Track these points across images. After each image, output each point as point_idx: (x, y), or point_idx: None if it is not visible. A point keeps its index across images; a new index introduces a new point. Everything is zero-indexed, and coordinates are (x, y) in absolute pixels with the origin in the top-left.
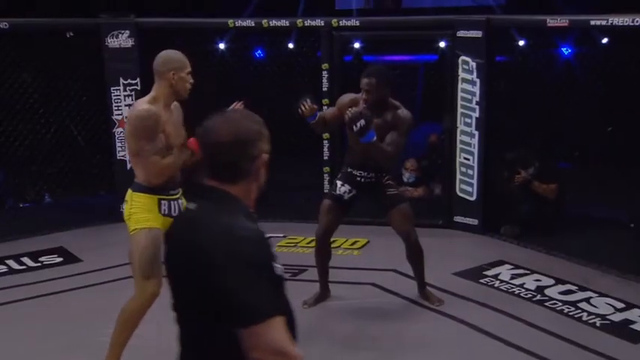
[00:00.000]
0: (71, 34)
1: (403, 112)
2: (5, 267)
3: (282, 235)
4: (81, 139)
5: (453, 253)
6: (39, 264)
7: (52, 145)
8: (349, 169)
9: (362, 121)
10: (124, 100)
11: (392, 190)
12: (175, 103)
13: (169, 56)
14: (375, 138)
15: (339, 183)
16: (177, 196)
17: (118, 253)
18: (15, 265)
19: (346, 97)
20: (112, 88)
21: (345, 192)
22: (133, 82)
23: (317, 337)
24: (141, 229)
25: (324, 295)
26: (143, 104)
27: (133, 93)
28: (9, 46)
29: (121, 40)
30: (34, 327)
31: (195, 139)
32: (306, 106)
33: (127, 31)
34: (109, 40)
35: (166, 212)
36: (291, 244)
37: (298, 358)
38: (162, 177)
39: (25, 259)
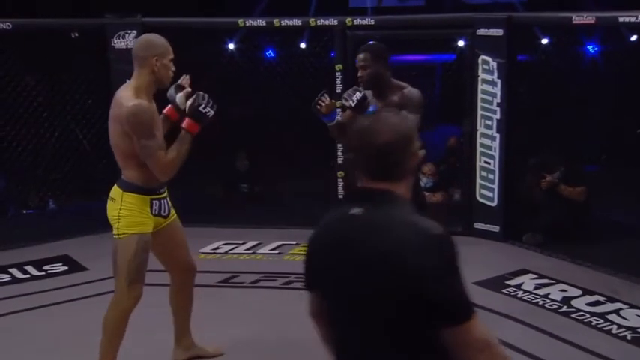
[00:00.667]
0: (76, 34)
1: (410, 90)
2: (9, 276)
3: (294, 242)
4: (86, 144)
5: (473, 261)
6: (43, 273)
7: (57, 149)
8: None
9: (358, 94)
10: None
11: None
12: None
13: (151, 41)
14: None
15: None
16: (165, 195)
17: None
18: (19, 274)
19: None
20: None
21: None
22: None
23: None
24: (132, 234)
25: None
26: (130, 99)
27: None
28: (12, 47)
29: (128, 40)
30: (38, 338)
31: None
32: (325, 102)
33: (134, 32)
34: (115, 41)
35: (156, 212)
36: (303, 252)
37: (501, 348)
38: (170, 173)
39: (29, 268)
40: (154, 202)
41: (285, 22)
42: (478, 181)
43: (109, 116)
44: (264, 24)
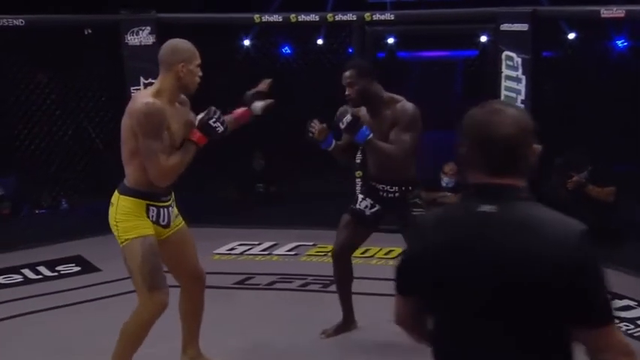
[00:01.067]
0: (89, 31)
1: (404, 104)
2: (21, 276)
3: (311, 243)
4: (99, 142)
5: None
6: (56, 273)
7: (69, 148)
8: (371, 182)
9: (348, 117)
10: None
11: (419, 210)
12: (184, 98)
13: (178, 46)
14: (370, 135)
15: (360, 196)
16: (169, 203)
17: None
18: (31, 275)
19: (342, 109)
20: (132, 88)
21: (366, 206)
22: (154, 81)
23: (351, 357)
24: (133, 239)
25: (348, 324)
26: (146, 97)
27: None
28: (25, 44)
29: (142, 37)
30: (50, 340)
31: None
32: (315, 127)
33: (148, 28)
34: (129, 37)
35: (154, 219)
36: (321, 253)
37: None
38: (167, 179)
39: (42, 269)
40: (151, 207)
41: (302, 17)
42: None
43: (125, 111)
44: (281, 20)
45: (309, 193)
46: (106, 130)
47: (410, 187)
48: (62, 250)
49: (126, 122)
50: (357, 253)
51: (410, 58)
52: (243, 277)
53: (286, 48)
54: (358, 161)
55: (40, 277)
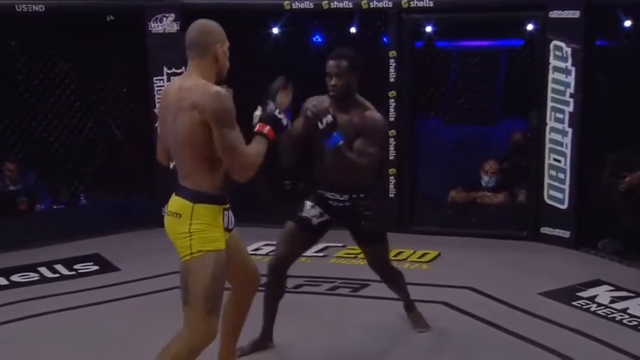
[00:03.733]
0: (111, 17)
1: (374, 114)
2: (37, 275)
3: (341, 245)
4: (120, 135)
5: (540, 269)
6: (73, 272)
7: (89, 141)
8: (321, 190)
9: (329, 117)
10: None
11: (369, 224)
12: None
13: (210, 26)
14: (341, 142)
15: (308, 204)
16: (228, 205)
17: (158, 261)
18: (48, 273)
19: (312, 101)
20: (154, 79)
21: (314, 215)
22: (178, 71)
23: None
24: (208, 252)
25: (264, 341)
26: (208, 86)
27: None
28: (45, 31)
29: (166, 24)
30: (66, 341)
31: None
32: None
33: (172, 15)
34: (153, 25)
35: (227, 225)
36: (350, 256)
37: None
38: (252, 172)
39: (59, 267)
40: (226, 212)
41: (335, 4)
42: (546, 180)
43: (168, 110)
44: (312, 6)
45: None
46: (127, 122)
47: (361, 195)
48: (80, 247)
49: (185, 119)
50: (390, 255)
51: (449, 48)
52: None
53: (317, 37)
54: (392, 158)
55: (58, 275)
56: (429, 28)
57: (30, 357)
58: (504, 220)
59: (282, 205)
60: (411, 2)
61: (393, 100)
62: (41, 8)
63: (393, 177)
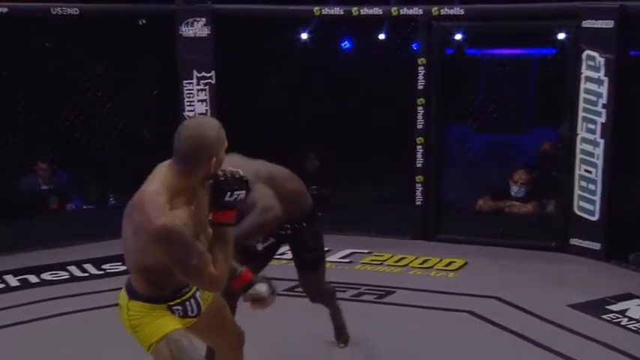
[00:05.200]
0: (143, 21)
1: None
2: (67, 274)
3: (366, 251)
4: (149, 137)
5: (569, 281)
6: (102, 272)
7: (119, 143)
8: None
9: (271, 239)
10: (197, 95)
11: (307, 253)
12: None
13: (206, 137)
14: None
15: None
16: (191, 292)
17: None
18: (77, 272)
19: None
20: (184, 82)
21: (258, 241)
22: (208, 75)
23: None
24: (158, 342)
25: None
26: (159, 212)
27: (207, 87)
28: (78, 33)
29: (197, 28)
30: (91, 339)
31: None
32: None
33: (203, 19)
34: (184, 29)
35: (181, 315)
36: (376, 262)
37: None
38: (222, 285)
39: (88, 266)
40: (174, 307)
41: (365, 11)
42: (576, 191)
43: (125, 213)
44: (342, 13)
45: (365, 198)
46: (156, 124)
47: (304, 224)
48: (109, 247)
49: (135, 237)
50: (416, 263)
51: (479, 56)
52: (294, 284)
53: (346, 42)
54: (420, 165)
55: (86, 274)
56: (459, 36)
57: (58, 354)
58: (533, 230)
59: None
60: (442, 10)
61: (421, 108)
62: (76, 11)
63: (420, 184)
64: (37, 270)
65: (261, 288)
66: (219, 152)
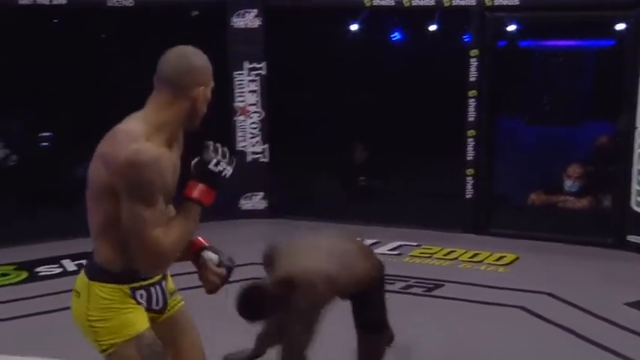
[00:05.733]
0: (196, 12)
1: None
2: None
3: (415, 243)
4: (199, 128)
5: (626, 279)
6: None
7: None
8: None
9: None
10: (248, 86)
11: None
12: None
13: (198, 62)
14: None
15: (210, 254)
16: (158, 278)
17: (231, 252)
18: None
19: None
20: (234, 73)
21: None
22: (258, 66)
23: None
24: (123, 343)
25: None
26: (133, 139)
27: (257, 78)
28: (134, 25)
29: (248, 19)
30: None
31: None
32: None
33: (255, 10)
34: (235, 20)
35: (146, 305)
36: (425, 255)
37: None
38: (162, 264)
39: None
40: (137, 292)
41: (417, 2)
42: (634, 186)
43: (94, 157)
44: (393, 3)
45: (415, 190)
46: (207, 115)
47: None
48: None
49: (99, 174)
50: (465, 257)
51: (533, 47)
52: None
53: (396, 34)
54: (470, 158)
55: None
56: (512, 27)
57: None
58: (588, 226)
59: (356, 202)
60: (495, 0)
61: (473, 100)
62: (131, 3)
63: (470, 177)
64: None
65: (211, 255)
66: (207, 83)
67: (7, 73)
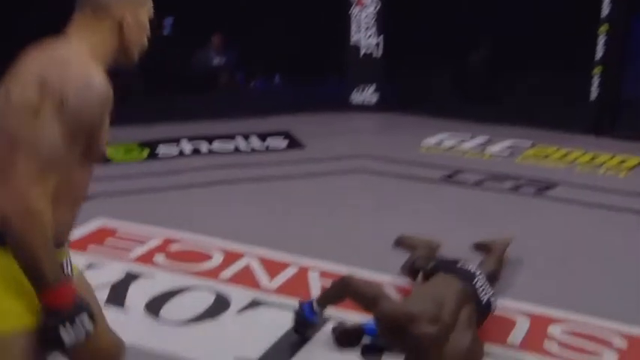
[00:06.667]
0: None
1: None
2: (233, 145)
3: (530, 143)
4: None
5: None
6: (265, 146)
7: (286, 25)
8: None
9: None
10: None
11: None
12: None
13: None
14: None
15: None
16: (64, 252)
17: (341, 143)
18: (242, 144)
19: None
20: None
21: None
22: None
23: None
24: (10, 332)
25: None
26: (85, 65)
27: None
28: None
29: None
30: (254, 208)
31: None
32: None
33: None
34: None
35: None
36: (540, 155)
37: None
38: (20, 210)
39: (253, 139)
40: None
41: None
42: None
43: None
44: None
45: (533, 88)
46: (321, 7)
47: None
48: (272, 123)
49: (28, 100)
50: (583, 159)
51: None
52: (451, 171)
53: None
54: (599, 57)
55: (251, 147)
56: None
57: (225, 214)
58: None
59: (470, 98)
60: None
61: (597, 78)
62: None
63: (597, 77)
64: (209, 139)
65: (64, 332)
66: (140, 8)
67: None
